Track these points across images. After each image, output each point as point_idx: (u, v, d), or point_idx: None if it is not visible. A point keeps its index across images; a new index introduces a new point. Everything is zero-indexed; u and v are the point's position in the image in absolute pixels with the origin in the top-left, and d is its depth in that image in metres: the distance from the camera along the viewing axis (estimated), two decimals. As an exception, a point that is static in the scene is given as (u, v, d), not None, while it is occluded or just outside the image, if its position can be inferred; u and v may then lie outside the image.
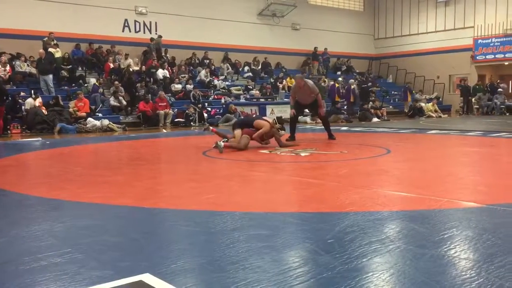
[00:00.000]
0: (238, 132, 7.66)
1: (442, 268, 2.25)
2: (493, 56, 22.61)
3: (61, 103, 13.84)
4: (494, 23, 22.38)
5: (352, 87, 18.40)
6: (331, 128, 9.36)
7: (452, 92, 24.42)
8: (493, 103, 20.79)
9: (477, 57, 23.06)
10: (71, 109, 13.88)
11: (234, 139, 7.62)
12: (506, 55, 22.16)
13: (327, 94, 17.87)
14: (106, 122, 13.82)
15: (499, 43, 22.24)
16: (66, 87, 15.45)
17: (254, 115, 15.34)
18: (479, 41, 22.89)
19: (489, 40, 22.58)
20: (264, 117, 8.12)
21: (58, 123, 12.99)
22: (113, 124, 13.89)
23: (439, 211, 3.39)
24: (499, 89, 21.32)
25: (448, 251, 2.48)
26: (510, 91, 22.30)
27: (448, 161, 6.57)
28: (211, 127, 8.82)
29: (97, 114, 14.57)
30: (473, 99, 21.41)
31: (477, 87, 21.64)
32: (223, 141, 7.41)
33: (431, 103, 20.05)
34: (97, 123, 13.64)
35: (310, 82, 9.38)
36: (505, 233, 2.81)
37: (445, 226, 2.94)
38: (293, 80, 21.02)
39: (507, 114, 19.98)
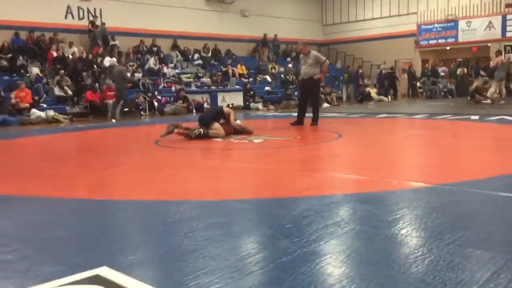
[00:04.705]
0: (217, 125, 7.41)
1: (396, 247, 2.33)
2: (435, 41, 23.43)
3: (2, 94, 13.21)
4: (436, 9, 23.17)
5: (384, 72, 21.71)
6: (287, 114, 9.47)
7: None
8: (436, 87, 21.62)
9: (421, 42, 23.84)
10: (13, 100, 13.26)
11: (215, 131, 7.37)
12: (448, 40, 23.03)
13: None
14: (51, 113, 13.31)
15: (441, 29, 23.07)
16: (6, 77, 14.73)
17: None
18: (422, 26, 23.65)
19: (432, 26, 23.38)
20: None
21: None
22: (59, 115, 13.40)
23: (390, 192, 3.50)
24: (442, 73, 22.20)
25: (401, 230, 2.56)
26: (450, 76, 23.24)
27: (397, 143, 6.79)
28: (176, 129, 7.40)
29: (42, 105, 14.00)
30: (417, 83, 22.20)
31: (425, 71, 22.50)
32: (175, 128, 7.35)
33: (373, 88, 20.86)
34: (42, 114, 13.12)
35: (315, 51, 9.61)
36: (453, 211, 2.93)
37: (397, 207, 3.04)
38: (243, 67, 21.10)
39: (450, 97, 20.82)
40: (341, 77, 24.10)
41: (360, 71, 22.19)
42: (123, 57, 17.81)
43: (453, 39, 22.80)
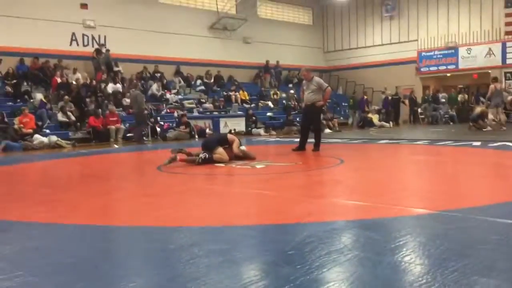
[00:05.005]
0: (221, 150, 7.45)
1: (399, 275, 2.31)
2: (436, 68, 23.61)
3: (6, 119, 13.30)
4: (436, 36, 23.44)
5: (390, 98, 21.82)
6: (289, 139, 9.47)
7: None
8: (437, 113, 21.71)
9: (422, 69, 24.02)
10: (16, 126, 13.34)
11: (219, 156, 7.39)
12: (448, 67, 23.20)
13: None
14: (54, 138, 13.36)
15: (441, 56, 23.27)
16: (10, 103, 14.86)
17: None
18: (423, 53, 23.88)
19: (432, 53, 23.60)
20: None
21: (3, 141, 12.45)
22: (62, 141, 13.45)
23: (393, 218, 3.48)
24: (443, 100, 22.32)
25: (404, 257, 2.54)
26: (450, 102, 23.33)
27: (399, 169, 6.78)
28: (178, 157, 7.34)
29: (45, 130, 14.07)
30: (419, 109, 22.31)
31: (426, 97, 22.69)
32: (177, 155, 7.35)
33: (375, 114, 20.98)
34: (45, 139, 13.17)
35: (318, 78, 9.70)
36: (456, 238, 2.91)
37: (399, 233, 3.02)
38: (245, 93, 21.26)
39: (451, 123, 20.87)
40: (344, 103, 24.35)
41: (366, 97, 22.41)
42: (126, 83, 18.00)
43: (454, 66, 22.98)
